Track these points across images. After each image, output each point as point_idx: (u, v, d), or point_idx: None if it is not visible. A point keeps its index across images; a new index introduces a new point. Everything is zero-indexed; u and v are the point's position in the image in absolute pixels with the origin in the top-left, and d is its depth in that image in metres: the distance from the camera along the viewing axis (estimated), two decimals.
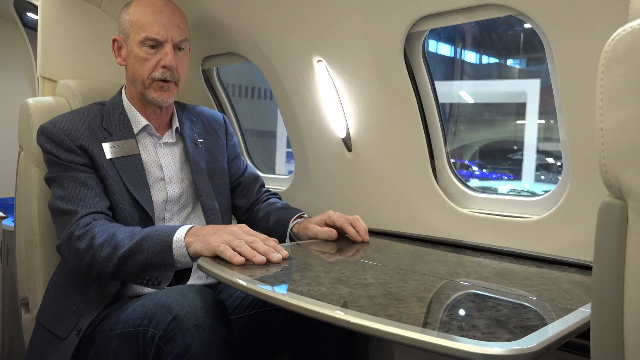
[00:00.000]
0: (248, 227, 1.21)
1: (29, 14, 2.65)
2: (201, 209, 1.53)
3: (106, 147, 1.41)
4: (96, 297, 1.34)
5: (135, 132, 1.47)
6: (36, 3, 2.24)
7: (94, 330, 1.29)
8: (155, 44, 1.42)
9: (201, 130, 1.62)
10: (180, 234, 1.20)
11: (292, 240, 1.53)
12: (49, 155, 1.39)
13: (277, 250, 1.14)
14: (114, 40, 1.49)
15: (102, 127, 1.44)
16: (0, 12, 2.83)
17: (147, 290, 1.36)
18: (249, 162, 2.20)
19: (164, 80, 1.44)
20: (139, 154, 1.45)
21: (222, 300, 1.18)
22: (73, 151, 1.37)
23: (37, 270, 1.55)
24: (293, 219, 1.54)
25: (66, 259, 1.32)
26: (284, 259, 1.14)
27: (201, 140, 1.59)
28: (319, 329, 1.31)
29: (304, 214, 1.58)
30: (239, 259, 1.10)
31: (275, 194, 1.78)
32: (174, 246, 1.19)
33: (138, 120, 1.48)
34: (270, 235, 1.25)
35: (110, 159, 1.40)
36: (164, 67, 1.43)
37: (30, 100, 1.58)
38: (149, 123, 1.49)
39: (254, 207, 1.71)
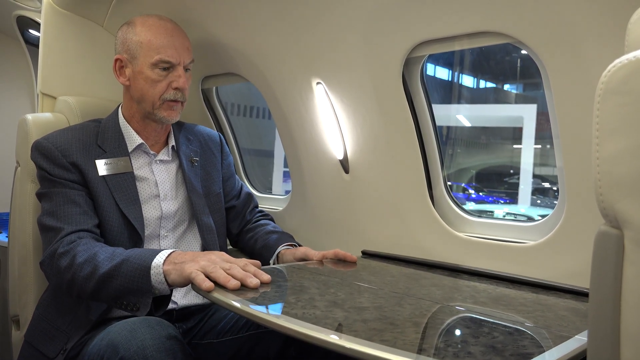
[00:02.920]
0: (228, 255, 1.17)
1: (31, 31, 2.67)
2: (197, 226, 1.53)
3: (100, 164, 1.41)
4: (84, 317, 1.32)
5: (130, 150, 1.47)
6: (38, 20, 2.25)
7: (79, 353, 1.26)
8: (168, 67, 1.43)
9: (197, 148, 1.63)
10: (159, 260, 1.16)
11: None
12: (41, 170, 1.39)
13: (257, 275, 1.10)
14: (117, 60, 1.48)
15: (96, 144, 1.44)
16: (2, 28, 2.85)
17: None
18: (245, 182, 2.20)
19: (174, 101, 1.46)
20: (132, 172, 1.45)
21: (178, 336, 1.13)
22: (64, 167, 1.38)
23: (29, 288, 1.53)
24: (280, 247, 1.54)
25: (48, 277, 1.32)
26: (266, 283, 1.11)
27: (197, 159, 1.60)
28: (315, 351, 1.29)
29: (294, 243, 1.57)
30: (207, 285, 1.05)
31: (267, 215, 1.78)
32: (152, 272, 1.16)
33: (133, 139, 1.49)
34: (256, 259, 1.26)
35: (102, 176, 1.40)
36: (175, 88, 1.45)
37: (29, 116, 1.58)
38: (143, 142, 1.49)
39: (244, 228, 1.72)
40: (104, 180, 1.40)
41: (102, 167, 1.41)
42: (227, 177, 1.70)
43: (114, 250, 1.24)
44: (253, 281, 1.08)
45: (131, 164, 1.46)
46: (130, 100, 1.49)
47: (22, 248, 1.53)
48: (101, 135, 1.46)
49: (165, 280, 1.15)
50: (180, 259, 1.16)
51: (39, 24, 1.91)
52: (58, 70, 1.78)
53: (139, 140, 1.49)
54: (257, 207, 1.78)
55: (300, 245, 1.57)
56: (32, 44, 2.74)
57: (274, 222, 1.75)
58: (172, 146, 1.55)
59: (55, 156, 1.38)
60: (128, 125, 1.50)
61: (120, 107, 1.54)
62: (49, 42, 1.77)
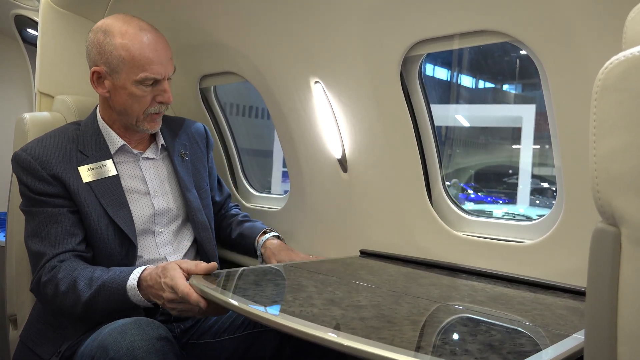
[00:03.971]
0: (176, 275, 1.17)
1: (29, 30, 2.67)
2: (191, 223, 1.53)
3: (82, 170, 1.38)
4: (79, 319, 1.32)
5: (112, 152, 1.44)
6: (36, 19, 2.25)
7: (74, 354, 1.26)
8: (153, 82, 1.38)
9: (186, 142, 1.61)
10: (132, 282, 1.22)
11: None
12: (22, 185, 1.36)
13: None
14: (94, 72, 1.38)
15: (77, 149, 1.40)
16: (0, 27, 2.85)
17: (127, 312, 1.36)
18: (244, 182, 2.20)
19: (157, 113, 1.44)
20: (117, 175, 1.42)
21: (169, 337, 1.14)
22: (45, 180, 1.34)
23: (26, 288, 1.53)
24: (258, 237, 1.62)
25: (40, 302, 1.35)
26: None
27: (187, 153, 1.58)
28: (311, 350, 1.29)
29: (266, 230, 1.65)
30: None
31: (236, 205, 1.85)
32: (129, 294, 1.22)
33: (114, 141, 1.45)
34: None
35: (87, 183, 1.37)
36: (160, 102, 1.42)
37: (27, 115, 1.58)
38: (125, 143, 1.46)
39: (221, 217, 1.77)
40: (89, 187, 1.37)
41: (85, 173, 1.38)
42: (211, 171, 1.70)
43: (92, 274, 1.27)
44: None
45: (115, 166, 1.43)
46: (109, 109, 1.45)
47: (19, 247, 1.53)
48: (81, 139, 1.42)
49: (143, 299, 1.22)
50: (147, 282, 1.21)
51: (36, 23, 1.90)
52: (56, 69, 1.78)
53: (120, 142, 1.46)
54: (230, 196, 1.84)
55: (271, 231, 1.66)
56: (30, 42, 2.74)
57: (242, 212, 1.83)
58: (162, 144, 1.54)
59: (35, 169, 1.34)
60: (108, 127, 1.46)
61: (97, 109, 1.49)
62: (47, 41, 1.77)
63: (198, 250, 1.54)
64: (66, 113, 1.65)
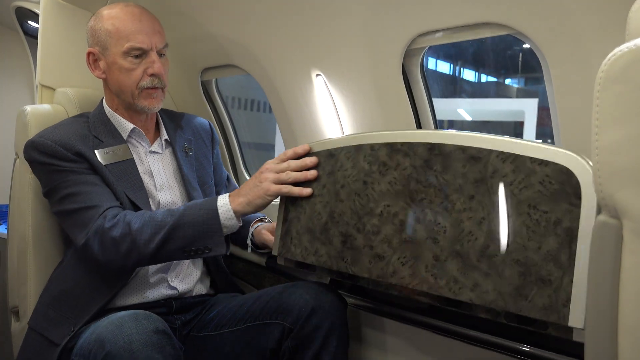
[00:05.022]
0: (270, 163, 1.28)
1: (30, 22, 2.66)
2: None
3: (100, 153, 1.39)
4: (86, 307, 1.32)
5: (125, 137, 1.45)
6: (37, 11, 2.24)
7: (80, 339, 1.25)
8: (140, 53, 1.39)
9: (191, 137, 1.60)
10: (223, 200, 1.26)
11: (253, 244, 1.55)
12: (46, 166, 1.35)
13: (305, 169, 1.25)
14: (89, 54, 1.44)
15: (92, 135, 1.42)
16: (1, 19, 2.84)
17: (131, 301, 1.38)
18: (245, 175, 2.20)
19: (152, 88, 1.42)
20: (133, 159, 1.43)
21: (166, 330, 1.15)
22: (71, 159, 1.35)
23: (28, 279, 1.53)
24: (252, 223, 1.56)
25: (94, 255, 1.29)
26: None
27: (191, 148, 1.58)
28: (312, 344, 1.30)
29: (264, 218, 1.61)
30: (307, 191, 1.23)
31: None
32: (220, 211, 1.25)
33: (124, 126, 1.46)
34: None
35: (105, 165, 1.38)
36: (151, 75, 1.40)
37: (28, 108, 1.58)
38: (135, 126, 1.47)
39: None
40: (107, 169, 1.38)
41: (102, 156, 1.39)
42: (217, 166, 1.68)
43: (165, 209, 1.31)
44: (311, 173, 1.23)
45: (130, 151, 1.44)
46: (111, 93, 1.47)
47: (21, 240, 1.53)
48: (92, 127, 1.44)
49: (234, 216, 1.25)
50: (244, 191, 1.27)
51: (37, 15, 1.89)
52: (57, 62, 1.78)
53: (130, 125, 1.46)
54: None
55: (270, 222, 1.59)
56: (31, 35, 2.73)
57: None
58: (166, 139, 1.53)
59: (58, 151, 1.35)
60: (115, 114, 1.47)
61: (103, 100, 1.51)
62: (48, 33, 1.76)
63: None
64: (67, 105, 1.65)
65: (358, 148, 1.18)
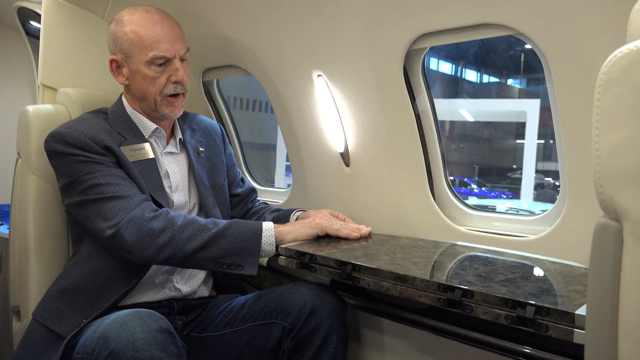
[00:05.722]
0: (327, 215, 1.50)
1: (32, 22, 2.66)
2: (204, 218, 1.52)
3: (125, 150, 1.39)
4: (95, 303, 1.31)
5: (147, 136, 1.46)
6: (39, 11, 2.25)
7: (76, 345, 1.25)
8: (164, 61, 1.39)
9: (202, 138, 1.61)
10: (269, 225, 1.33)
11: None
12: (72, 157, 1.32)
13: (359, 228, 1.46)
14: (112, 61, 1.43)
15: (115, 130, 1.41)
16: (3, 19, 2.85)
17: (134, 301, 1.38)
18: (246, 175, 2.20)
19: (174, 95, 1.43)
20: (154, 159, 1.44)
21: (170, 329, 1.15)
22: (100, 152, 1.34)
23: (29, 279, 1.53)
24: (293, 213, 1.59)
25: (124, 243, 1.26)
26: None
27: (203, 149, 1.58)
28: (311, 345, 1.30)
29: (304, 210, 1.62)
30: (355, 234, 1.42)
31: (267, 204, 1.79)
32: (263, 234, 1.30)
33: (147, 125, 1.47)
34: None
35: (132, 162, 1.38)
36: (175, 82, 1.41)
37: (30, 108, 1.58)
38: (158, 126, 1.47)
39: (247, 213, 1.73)
40: (133, 167, 1.37)
41: (128, 153, 1.39)
42: (230, 167, 1.69)
43: (209, 218, 1.35)
44: (364, 230, 1.46)
45: (152, 150, 1.44)
46: (132, 98, 1.47)
47: (22, 240, 1.53)
48: (113, 124, 1.43)
49: (275, 242, 1.32)
50: (290, 224, 1.42)
51: (39, 16, 1.90)
52: (59, 62, 1.78)
53: (153, 125, 1.47)
54: (257, 198, 1.80)
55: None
56: (33, 35, 2.74)
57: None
58: (180, 139, 1.54)
59: (87, 143, 1.33)
60: (137, 112, 1.47)
61: (122, 97, 1.50)
62: (50, 33, 1.77)
63: None
64: (69, 106, 1.65)
65: None
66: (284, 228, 1.35)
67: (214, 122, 1.73)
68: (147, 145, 1.43)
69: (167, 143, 1.52)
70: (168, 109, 1.44)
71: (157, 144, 1.49)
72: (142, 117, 1.47)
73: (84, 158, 1.33)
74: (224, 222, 1.32)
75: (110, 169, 1.34)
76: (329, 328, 1.30)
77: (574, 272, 1.13)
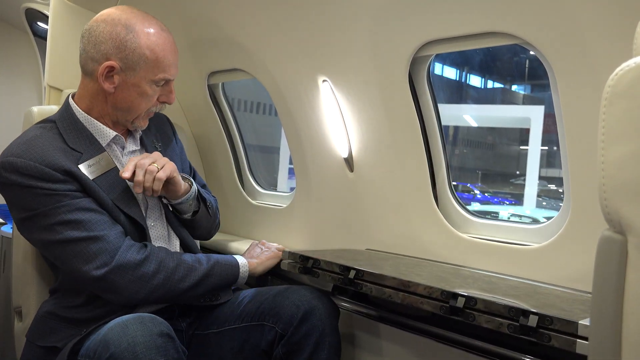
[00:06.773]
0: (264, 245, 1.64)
1: (39, 24, 2.68)
2: (174, 215, 1.49)
3: (83, 168, 1.29)
4: (95, 318, 1.30)
5: (104, 144, 1.37)
6: (46, 12, 2.26)
7: (82, 346, 1.24)
8: (164, 83, 1.37)
9: (156, 132, 1.55)
10: (242, 261, 1.48)
11: None
12: (30, 189, 1.22)
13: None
14: (107, 66, 1.30)
15: (69, 147, 1.30)
16: (10, 20, 2.86)
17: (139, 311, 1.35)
18: (250, 178, 2.20)
19: (153, 112, 1.43)
20: (116, 167, 1.35)
21: (171, 334, 1.14)
22: (60, 180, 1.24)
23: (32, 280, 1.54)
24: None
25: (115, 285, 1.24)
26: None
27: (160, 144, 1.53)
28: (302, 352, 1.30)
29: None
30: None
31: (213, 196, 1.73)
32: (240, 270, 1.45)
33: (104, 133, 1.37)
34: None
35: (94, 180, 1.29)
36: (163, 102, 1.41)
37: (35, 109, 1.59)
38: (117, 133, 1.40)
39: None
40: (95, 183, 1.29)
41: (87, 170, 1.29)
42: (183, 160, 1.63)
43: (191, 255, 1.41)
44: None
45: (111, 159, 1.36)
46: (104, 103, 1.36)
47: (25, 241, 1.53)
48: (66, 137, 1.32)
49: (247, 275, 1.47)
50: (251, 256, 1.56)
51: (47, 17, 1.91)
52: (65, 63, 1.79)
53: (112, 133, 1.38)
54: (205, 187, 1.71)
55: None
56: (40, 36, 2.75)
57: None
58: (140, 137, 1.49)
59: (43, 171, 1.23)
60: (93, 119, 1.37)
61: (71, 102, 1.38)
62: (57, 35, 1.78)
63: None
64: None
65: None
66: (252, 261, 1.52)
67: (161, 114, 1.60)
68: (104, 156, 1.34)
69: (126, 141, 1.45)
70: (143, 122, 1.42)
71: (117, 147, 1.42)
72: (99, 124, 1.37)
73: (46, 191, 1.22)
74: (204, 259, 1.40)
75: (77, 200, 1.25)
76: (320, 335, 1.30)
77: (580, 298, 1.12)
